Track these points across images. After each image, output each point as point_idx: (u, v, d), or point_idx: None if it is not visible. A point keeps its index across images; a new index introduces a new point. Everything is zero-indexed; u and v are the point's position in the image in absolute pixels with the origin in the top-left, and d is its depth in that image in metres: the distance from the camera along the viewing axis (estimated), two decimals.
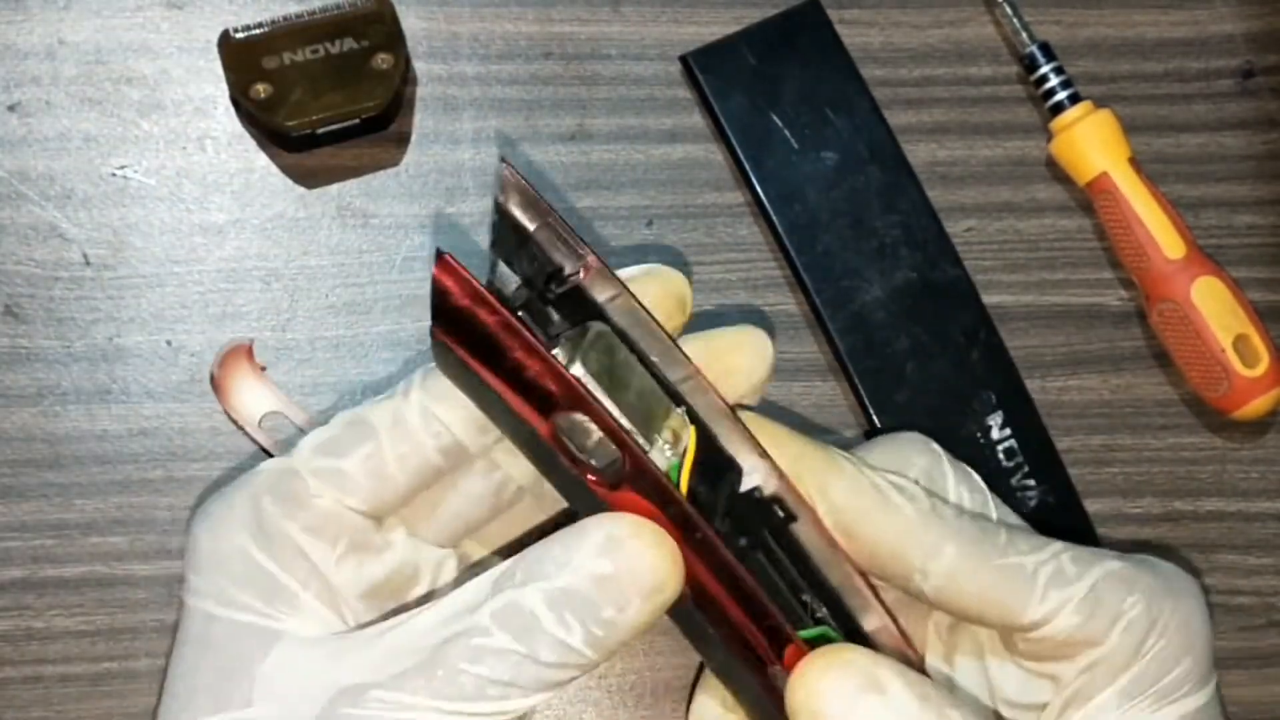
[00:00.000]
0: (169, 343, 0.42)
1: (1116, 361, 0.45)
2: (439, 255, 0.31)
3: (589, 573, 0.30)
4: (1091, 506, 0.44)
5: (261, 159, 0.44)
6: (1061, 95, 0.45)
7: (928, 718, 0.31)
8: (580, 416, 0.31)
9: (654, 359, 0.34)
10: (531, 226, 0.33)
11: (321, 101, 0.42)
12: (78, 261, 0.43)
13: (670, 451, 0.33)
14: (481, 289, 0.31)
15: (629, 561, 0.30)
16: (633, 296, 0.34)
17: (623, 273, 0.35)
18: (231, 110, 0.44)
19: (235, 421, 0.42)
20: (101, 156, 0.43)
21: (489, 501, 0.36)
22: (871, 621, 0.35)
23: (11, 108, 0.43)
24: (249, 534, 0.33)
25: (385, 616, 0.34)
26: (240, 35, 0.42)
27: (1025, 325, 0.45)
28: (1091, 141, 0.44)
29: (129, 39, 0.44)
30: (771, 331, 0.44)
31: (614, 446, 0.31)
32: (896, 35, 0.46)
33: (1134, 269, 0.45)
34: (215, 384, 0.42)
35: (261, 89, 0.42)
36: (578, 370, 0.32)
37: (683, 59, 0.44)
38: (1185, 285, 0.44)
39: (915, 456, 0.37)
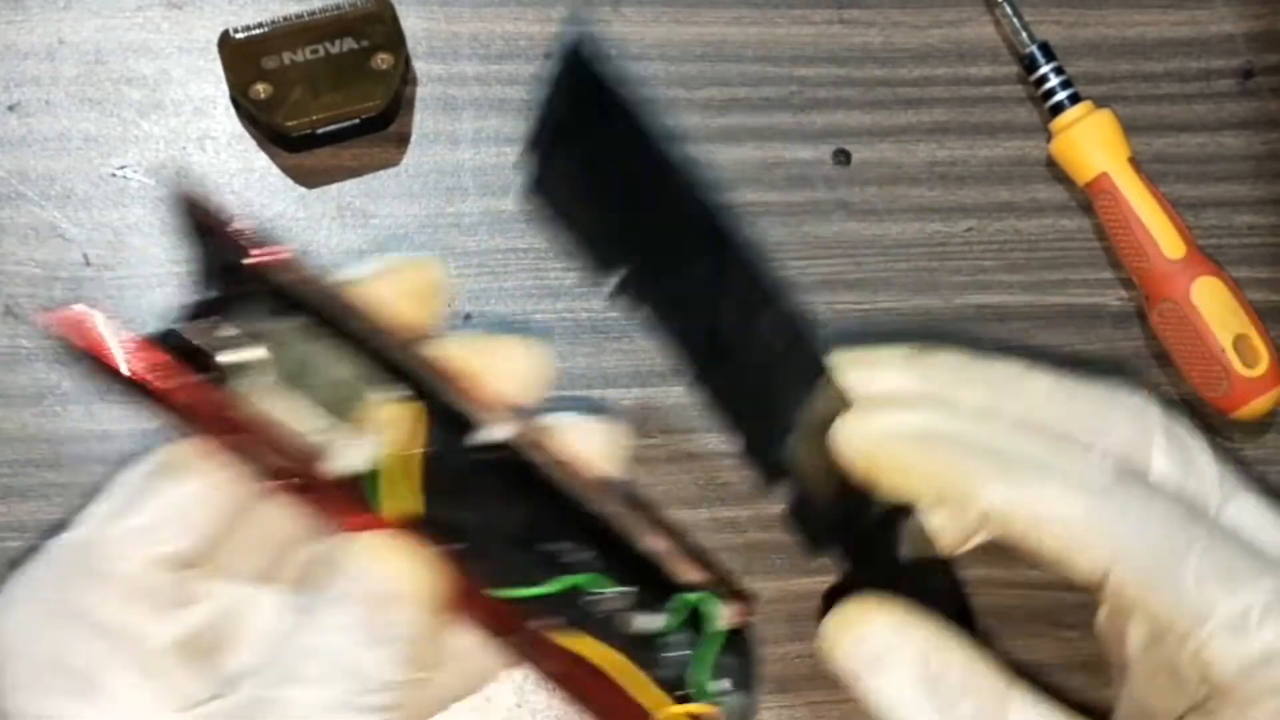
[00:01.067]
0: None
1: (1116, 361, 0.45)
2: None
3: (350, 599, 0.30)
4: None
5: (261, 159, 0.44)
6: (1061, 95, 0.45)
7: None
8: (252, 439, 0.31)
9: (366, 343, 0.33)
10: (197, 227, 0.32)
11: (321, 101, 0.42)
12: (78, 261, 0.43)
13: (371, 439, 0.32)
14: (100, 344, 0.31)
15: (373, 581, 0.30)
16: (330, 284, 0.33)
17: (369, 265, 0.34)
18: (231, 110, 0.44)
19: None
20: (101, 156, 0.43)
21: (287, 521, 0.35)
22: (654, 545, 0.33)
23: (11, 108, 0.43)
24: (42, 619, 0.31)
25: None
26: (240, 35, 0.42)
27: (1025, 325, 0.45)
28: (1091, 141, 0.44)
29: (129, 39, 0.44)
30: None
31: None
32: (896, 35, 0.46)
33: (1134, 269, 0.45)
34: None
35: (261, 89, 0.42)
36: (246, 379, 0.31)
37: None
38: (1185, 285, 0.44)
39: (1120, 424, 0.33)
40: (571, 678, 0.32)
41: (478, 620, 0.32)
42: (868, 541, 0.33)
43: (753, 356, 0.32)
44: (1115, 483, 0.31)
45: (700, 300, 0.32)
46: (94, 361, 0.31)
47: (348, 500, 0.31)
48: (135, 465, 0.33)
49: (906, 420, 0.32)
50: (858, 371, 0.34)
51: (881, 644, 0.31)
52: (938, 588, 0.34)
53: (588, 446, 0.33)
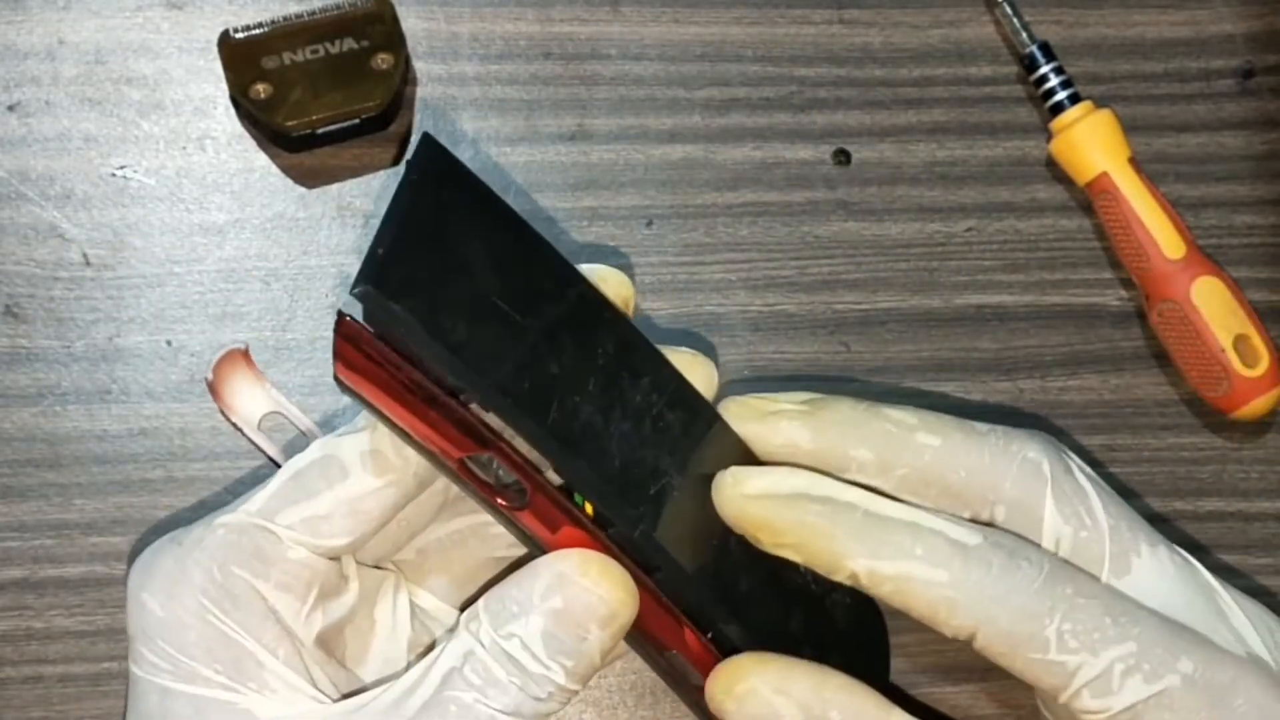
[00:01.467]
0: (169, 343, 0.42)
1: (1116, 361, 0.45)
2: (339, 320, 0.31)
3: (548, 610, 0.31)
4: None
5: (261, 159, 0.44)
6: (1061, 95, 0.45)
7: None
8: (487, 453, 0.32)
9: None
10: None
11: (321, 101, 0.42)
12: (78, 261, 0.43)
13: None
14: (380, 349, 0.31)
15: (581, 597, 0.31)
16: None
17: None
18: (231, 110, 0.44)
19: (235, 425, 0.42)
20: (101, 156, 0.43)
21: (432, 510, 0.36)
22: None
23: (11, 108, 0.43)
24: (210, 599, 0.31)
25: (357, 686, 0.34)
26: (240, 35, 0.42)
27: (1025, 325, 0.45)
28: (1091, 141, 0.44)
29: (129, 39, 0.44)
30: (774, 332, 0.44)
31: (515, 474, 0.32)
32: (896, 35, 0.46)
33: (1134, 269, 0.45)
34: (212, 390, 0.42)
35: (261, 89, 0.42)
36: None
37: (361, 296, 0.31)
38: (1185, 285, 0.44)
39: (1010, 481, 0.33)
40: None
41: (660, 642, 0.33)
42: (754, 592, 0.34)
43: (625, 421, 0.33)
44: (981, 549, 0.32)
45: (575, 375, 0.32)
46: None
47: (561, 513, 0.32)
48: (307, 453, 0.33)
49: (781, 483, 0.33)
50: (754, 424, 0.35)
51: (764, 705, 0.32)
52: (836, 629, 0.35)
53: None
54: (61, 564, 0.41)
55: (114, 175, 0.43)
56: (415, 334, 0.30)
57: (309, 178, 0.44)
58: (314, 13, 0.42)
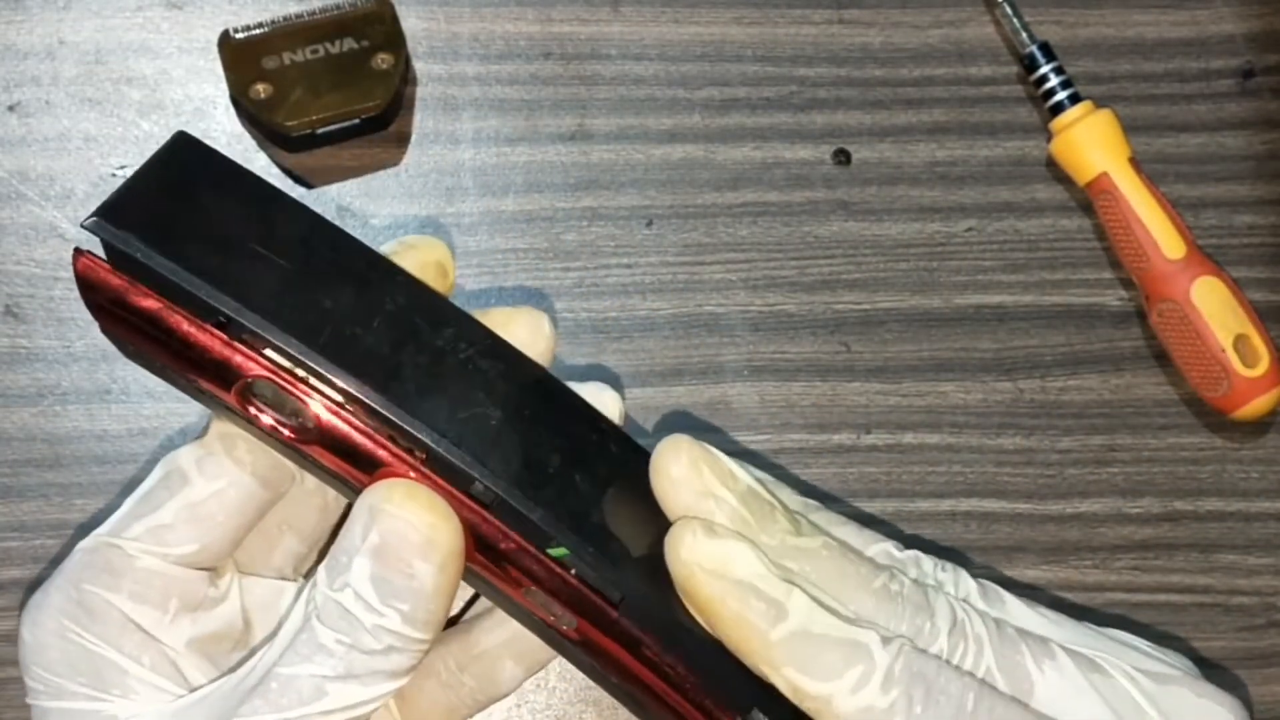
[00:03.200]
0: None
1: (1116, 361, 0.45)
2: (76, 254, 0.31)
3: (369, 549, 0.30)
4: (1091, 507, 0.44)
5: (261, 159, 0.44)
6: (1061, 95, 0.45)
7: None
8: (259, 381, 0.30)
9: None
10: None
11: (321, 101, 0.42)
12: None
13: None
14: (123, 283, 0.31)
15: (391, 526, 0.30)
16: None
17: (383, 249, 0.34)
18: (231, 110, 0.44)
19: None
20: (101, 156, 0.43)
21: (315, 512, 0.35)
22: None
23: (11, 108, 0.43)
24: (68, 617, 0.32)
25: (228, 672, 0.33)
26: (240, 35, 0.42)
27: (1025, 325, 0.45)
28: (1091, 141, 0.44)
29: (129, 39, 0.44)
30: (772, 330, 0.44)
31: (292, 397, 0.30)
32: (896, 35, 0.46)
33: (1134, 269, 0.45)
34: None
35: (261, 89, 0.42)
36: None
37: (90, 227, 0.31)
38: (1185, 285, 0.44)
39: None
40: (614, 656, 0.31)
41: (504, 577, 0.31)
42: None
43: (421, 355, 0.31)
44: (905, 679, 0.30)
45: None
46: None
47: (358, 436, 0.30)
48: (157, 468, 0.33)
49: (735, 565, 0.31)
50: (692, 479, 0.32)
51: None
52: None
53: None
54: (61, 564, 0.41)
55: (114, 175, 0.43)
56: (151, 259, 0.30)
57: (309, 178, 0.44)
58: (314, 13, 0.42)
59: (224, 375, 0.30)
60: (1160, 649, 0.33)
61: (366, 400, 0.30)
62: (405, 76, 0.43)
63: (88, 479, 0.42)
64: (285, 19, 0.42)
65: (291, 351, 0.30)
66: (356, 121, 0.42)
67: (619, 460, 0.32)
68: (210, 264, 0.30)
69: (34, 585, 0.41)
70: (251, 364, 0.30)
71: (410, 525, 0.30)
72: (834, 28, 0.46)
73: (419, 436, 0.30)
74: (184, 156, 0.33)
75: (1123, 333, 0.45)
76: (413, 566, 0.30)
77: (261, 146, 0.44)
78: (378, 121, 0.43)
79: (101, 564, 0.32)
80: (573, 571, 0.30)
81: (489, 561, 0.31)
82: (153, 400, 0.42)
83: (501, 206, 0.44)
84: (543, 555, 0.30)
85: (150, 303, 0.30)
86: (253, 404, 0.31)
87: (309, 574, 0.36)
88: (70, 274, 0.42)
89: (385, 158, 0.44)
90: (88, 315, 0.42)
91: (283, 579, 0.36)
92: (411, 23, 0.44)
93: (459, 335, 0.32)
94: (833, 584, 0.31)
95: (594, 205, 0.44)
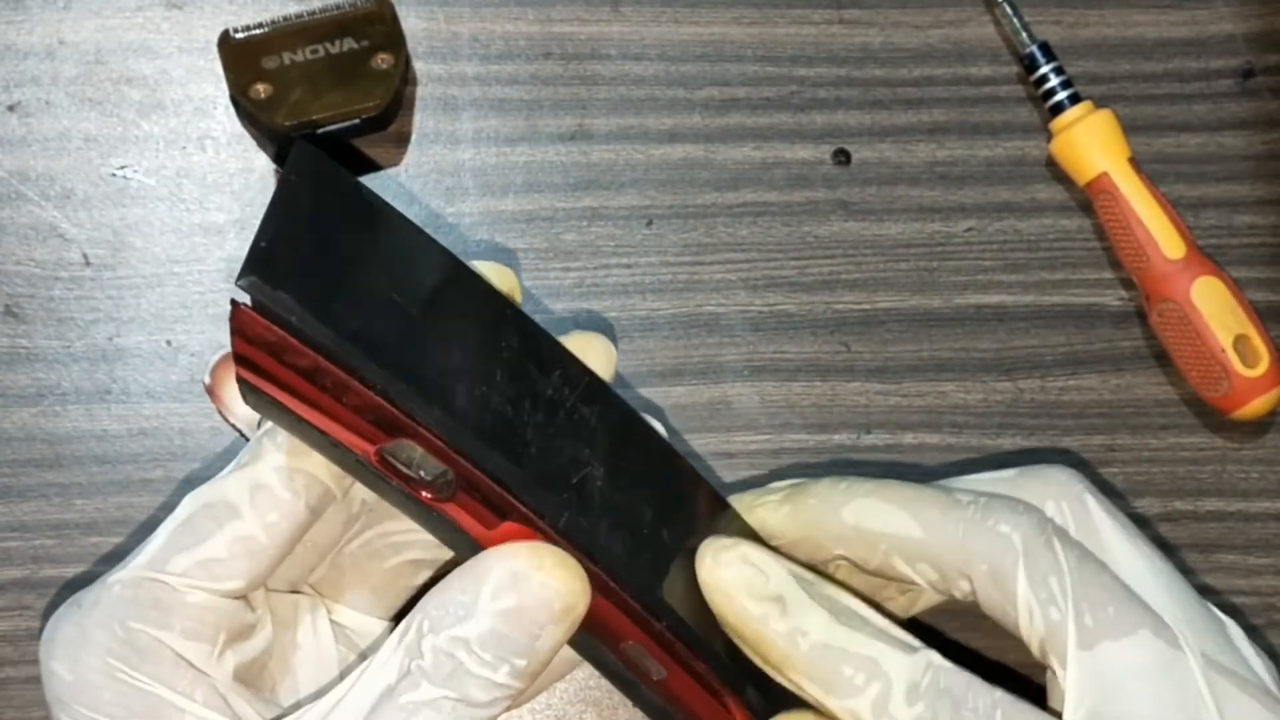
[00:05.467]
0: (169, 343, 0.42)
1: (1116, 361, 0.45)
2: (234, 308, 0.30)
3: (499, 611, 0.30)
4: None
5: (261, 159, 0.44)
6: (1061, 95, 0.45)
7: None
8: (404, 440, 0.31)
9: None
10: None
11: (321, 101, 0.42)
12: (78, 261, 0.43)
13: None
14: (278, 342, 0.30)
15: (537, 592, 0.30)
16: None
17: None
18: (231, 110, 0.44)
19: (234, 426, 0.42)
20: (101, 156, 0.43)
21: (339, 526, 0.36)
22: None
23: (11, 108, 0.43)
24: (116, 657, 0.31)
25: (287, 709, 0.33)
26: (240, 35, 0.42)
27: (1025, 325, 0.45)
28: (1091, 141, 0.44)
29: (129, 39, 0.44)
30: (773, 329, 0.44)
31: (439, 462, 0.31)
32: (896, 35, 0.46)
33: (1134, 269, 0.45)
34: (210, 393, 0.42)
35: (261, 89, 0.42)
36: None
37: (247, 286, 0.30)
38: (1185, 285, 0.44)
39: (982, 558, 0.33)
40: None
41: (611, 628, 0.32)
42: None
43: (538, 412, 0.32)
44: (919, 707, 0.31)
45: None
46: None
47: (494, 503, 0.31)
48: (187, 502, 0.33)
49: (758, 584, 0.32)
50: (745, 500, 0.36)
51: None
52: None
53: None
54: (61, 564, 0.41)
55: (114, 175, 0.43)
56: (306, 321, 0.29)
57: None
58: (314, 13, 0.42)
59: (366, 436, 0.31)
60: (1260, 653, 0.33)
61: (503, 479, 0.30)
62: (405, 76, 0.43)
63: (88, 479, 0.42)
64: (285, 19, 0.42)
65: (429, 421, 0.30)
66: (356, 121, 0.42)
67: (696, 505, 0.34)
68: (354, 323, 0.30)
69: (31, 585, 0.41)
70: (398, 428, 0.30)
71: (558, 594, 0.30)
72: (834, 28, 0.46)
73: (549, 511, 0.31)
74: (313, 178, 0.32)
75: (1123, 333, 0.45)
76: (543, 629, 0.30)
77: (261, 146, 0.44)
78: (378, 121, 0.43)
79: (148, 600, 0.31)
80: (666, 624, 0.32)
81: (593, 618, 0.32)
82: (153, 400, 0.42)
83: (501, 206, 0.44)
84: (649, 617, 0.32)
85: (305, 362, 0.30)
86: (389, 463, 0.31)
87: (401, 617, 0.34)
88: (70, 274, 0.42)
89: (385, 158, 0.44)
90: (88, 315, 0.42)
91: (294, 591, 0.36)
92: (411, 23, 0.44)
93: (564, 379, 0.33)
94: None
95: (594, 205, 0.44)
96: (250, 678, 0.33)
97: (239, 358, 0.31)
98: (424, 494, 0.31)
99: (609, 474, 0.32)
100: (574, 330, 0.36)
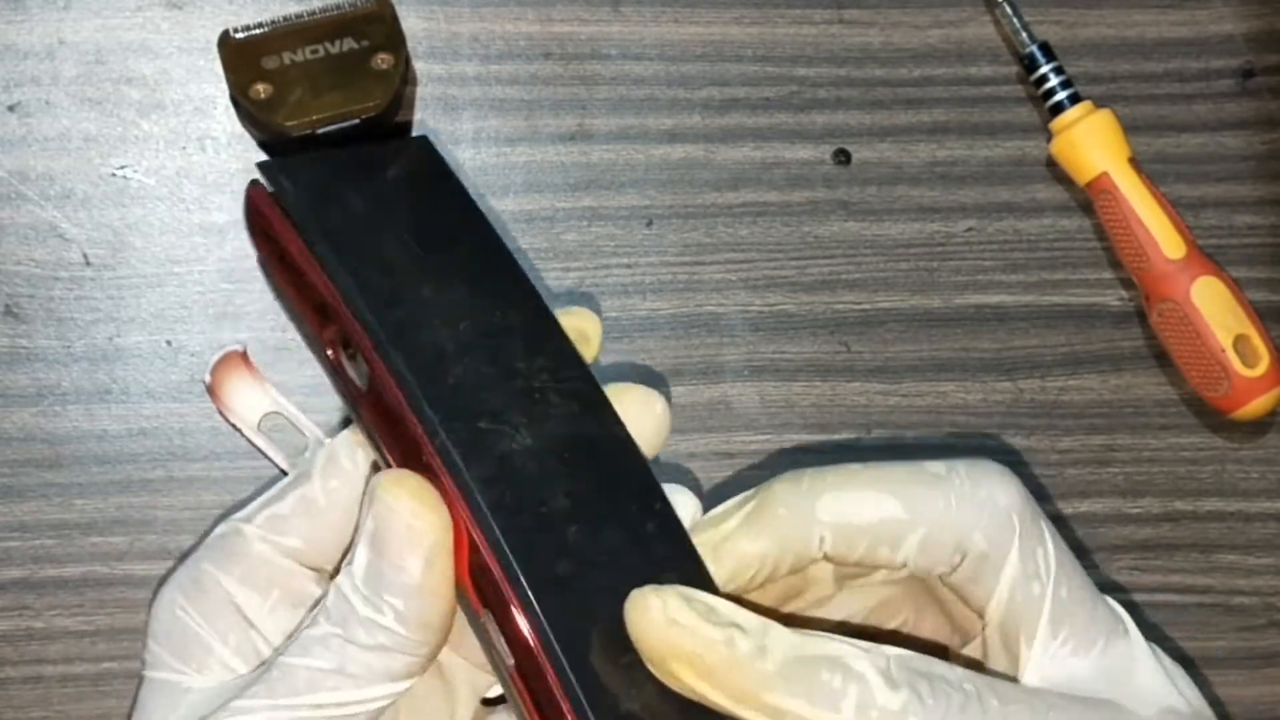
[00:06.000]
0: (169, 343, 0.42)
1: (1116, 361, 0.45)
2: (254, 182, 0.35)
3: (365, 536, 0.30)
4: (1091, 507, 0.44)
5: (261, 159, 0.44)
6: (1061, 95, 0.45)
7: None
8: (341, 328, 0.33)
9: None
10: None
11: (321, 101, 0.42)
12: (78, 261, 0.43)
13: None
14: (285, 216, 0.34)
15: (380, 510, 0.30)
16: None
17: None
18: (231, 110, 0.44)
19: (234, 426, 0.42)
20: (101, 156, 0.43)
21: None
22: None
23: (11, 108, 0.43)
24: (181, 592, 0.33)
25: None
26: (240, 35, 0.42)
27: (1025, 325, 0.45)
28: (1091, 141, 0.44)
29: (129, 39, 0.44)
30: (773, 330, 0.44)
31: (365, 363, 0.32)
32: (896, 35, 0.46)
33: (1134, 269, 0.45)
34: (210, 392, 0.42)
35: (261, 89, 0.42)
36: None
37: (261, 166, 0.36)
38: (1185, 285, 0.44)
39: (977, 531, 0.32)
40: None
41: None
42: None
43: (488, 367, 0.32)
44: (903, 692, 0.29)
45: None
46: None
47: (395, 411, 0.32)
48: (300, 463, 0.36)
49: (703, 618, 0.29)
50: (707, 533, 0.33)
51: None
52: None
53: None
54: (61, 564, 0.41)
55: (114, 175, 0.43)
56: (293, 207, 0.34)
57: None
58: (314, 13, 0.42)
59: (326, 319, 0.33)
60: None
61: (404, 387, 0.31)
62: (405, 76, 0.43)
63: (88, 479, 0.42)
64: (285, 19, 0.42)
65: (355, 316, 0.32)
66: (356, 121, 0.42)
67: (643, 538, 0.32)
68: (343, 236, 0.34)
69: (31, 585, 0.41)
70: (350, 328, 0.33)
71: (394, 511, 0.29)
72: (834, 28, 0.46)
73: (433, 429, 0.30)
74: (413, 156, 0.37)
75: (1123, 333, 0.45)
76: (403, 559, 0.29)
77: (261, 146, 0.44)
78: (378, 121, 0.43)
79: (223, 545, 0.34)
80: (528, 626, 0.29)
81: (473, 583, 0.30)
82: (153, 400, 0.42)
83: (501, 206, 0.44)
84: (515, 599, 0.29)
85: (291, 246, 0.34)
86: (340, 353, 0.33)
87: None
88: (70, 274, 0.42)
89: None
90: (88, 315, 0.42)
91: None
92: (411, 23, 0.44)
93: (547, 366, 0.33)
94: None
95: (594, 205, 0.44)
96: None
97: (251, 227, 0.35)
98: (354, 387, 0.33)
99: (535, 452, 0.31)
100: (570, 306, 0.36)
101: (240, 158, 0.44)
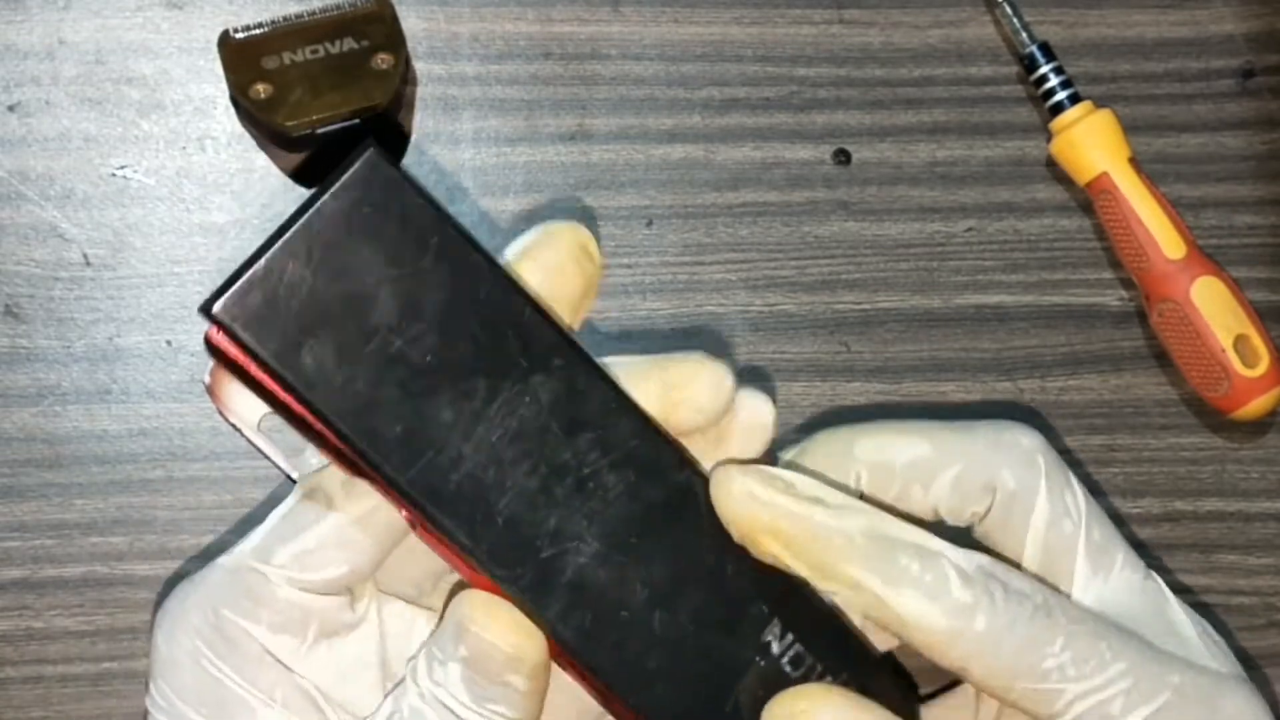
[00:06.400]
0: (169, 343, 0.42)
1: (1116, 361, 0.45)
2: (211, 326, 0.29)
3: (460, 659, 0.30)
4: None
5: (261, 159, 0.44)
6: (1061, 95, 0.45)
7: None
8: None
9: None
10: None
11: (321, 101, 0.42)
12: (78, 261, 0.43)
13: None
14: (256, 370, 0.29)
15: (478, 644, 0.30)
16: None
17: (515, 246, 0.31)
18: (231, 110, 0.44)
19: (234, 426, 0.42)
20: (101, 156, 0.43)
21: None
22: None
23: (11, 108, 0.43)
24: (204, 641, 0.31)
25: None
26: (240, 35, 0.42)
27: (1025, 325, 0.45)
28: (1091, 141, 0.44)
29: (129, 39, 0.44)
30: (776, 331, 0.44)
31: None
32: (896, 35, 0.46)
33: (1134, 269, 0.45)
34: (210, 392, 0.42)
35: (261, 89, 0.42)
36: None
37: (206, 313, 0.29)
38: (1185, 285, 0.44)
39: (1004, 468, 0.32)
40: None
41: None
42: None
43: (532, 479, 0.30)
44: (981, 577, 0.31)
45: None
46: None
47: (451, 554, 0.30)
48: (297, 489, 0.33)
49: (796, 486, 0.31)
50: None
51: None
52: None
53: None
54: (61, 564, 0.41)
55: (114, 175, 0.43)
56: (264, 361, 0.29)
57: (310, 178, 0.44)
58: (314, 13, 0.42)
59: (343, 460, 0.30)
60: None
61: (458, 544, 0.30)
62: (405, 76, 0.43)
63: (88, 479, 0.42)
64: (285, 19, 0.42)
65: (392, 488, 0.30)
66: (356, 122, 0.42)
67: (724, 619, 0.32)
68: (318, 363, 0.29)
69: (31, 585, 0.41)
70: (356, 466, 0.30)
71: (494, 646, 0.30)
72: (834, 28, 0.46)
73: (504, 581, 0.30)
74: (364, 189, 0.29)
75: (1123, 333, 0.45)
76: (505, 678, 0.30)
77: (261, 146, 0.44)
78: (378, 121, 0.43)
79: (243, 589, 0.31)
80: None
81: (574, 674, 0.31)
82: (153, 400, 0.42)
83: (501, 206, 0.44)
84: (618, 701, 0.31)
85: (275, 389, 0.30)
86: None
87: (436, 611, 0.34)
88: (70, 275, 0.42)
89: None
90: (88, 315, 0.42)
91: (419, 595, 0.34)
92: (411, 23, 0.44)
93: (598, 441, 0.31)
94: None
95: (594, 205, 0.44)
96: (353, 676, 0.33)
97: (218, 361, 0.30)
98: (404, 514, 0.30)
99: (604, 554, 0.31)
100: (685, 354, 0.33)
101: (240, 158, 0.44)
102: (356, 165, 0.29)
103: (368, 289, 0.29)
